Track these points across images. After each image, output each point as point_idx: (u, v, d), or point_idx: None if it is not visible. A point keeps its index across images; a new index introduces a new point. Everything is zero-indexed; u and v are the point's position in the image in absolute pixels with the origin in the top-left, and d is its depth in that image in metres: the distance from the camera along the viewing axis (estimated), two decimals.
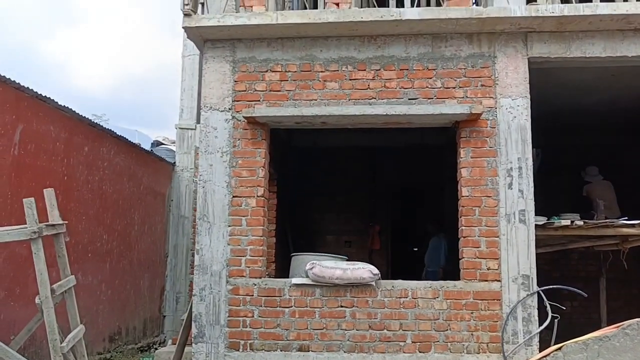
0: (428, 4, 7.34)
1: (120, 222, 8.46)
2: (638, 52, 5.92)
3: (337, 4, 6.09)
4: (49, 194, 5.15)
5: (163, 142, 12.94)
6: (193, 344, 5.91)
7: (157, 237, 9.89)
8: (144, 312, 9.32)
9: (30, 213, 4.72)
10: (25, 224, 5.82)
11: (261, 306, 5.86)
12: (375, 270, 5.77)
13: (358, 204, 10.25)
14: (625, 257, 7.00)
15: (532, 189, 5.82)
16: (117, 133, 8.33)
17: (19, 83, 5.97)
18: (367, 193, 10.29)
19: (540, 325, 5.68)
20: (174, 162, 10.55)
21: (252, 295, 5.88)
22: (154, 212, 9.73)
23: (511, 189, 5.81)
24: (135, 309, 8.98)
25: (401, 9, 5.90)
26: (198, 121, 10.64)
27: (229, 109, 6.16)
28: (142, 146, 9.93)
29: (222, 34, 6.13)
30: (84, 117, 7.32)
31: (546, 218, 6.56)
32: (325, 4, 6.23)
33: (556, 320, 5.70)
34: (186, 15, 6.03)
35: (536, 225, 5.91)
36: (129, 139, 8.94)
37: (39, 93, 6.31)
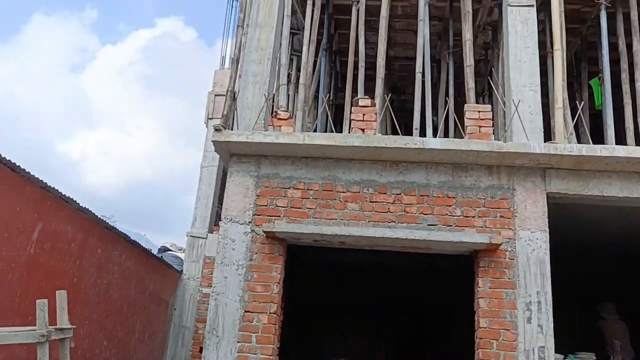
0: (446, 133, 7.66)
1: (122, 329, 8.21)
2: None
3: (363, 130, 6.32)
4: (61, 296, 5.05)
5: (170, 248, 12.91)
6: None
7: (156, 346, 9.56)
8: None
9: (41, 315, 4.60)
10: (31, 324, 5.68)
11: None
12: None
13: (365, 324, 10.01)
14: None
15: (552, 324, 5.70)
16: (130, 237, 8.32)
17: (45, 182, 6.07)
18: (375, 314, 10.07)
19: None
20: (181, 270, 10.44)
21: None
22: (156, 320, 9.48)
23: (530, 323, 5.69)
24: None
25: (424, 139, 6.12)
26: (210, 231, 10.69)
27: (249, 222, 6.21)
28: (152, 252, 9.85)
29: (249, 149, 6.32)
30: (101, 219, 7.36)
31: (563, 356, 6.37)
32: (350, 128, 6.49)
33: None
34: (217, 130, 6.24)
35: None
36: (140, 244, 8.89)
37: (63, 193, 6.39)
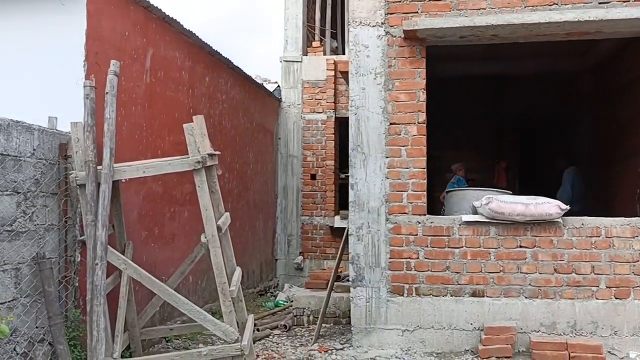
0: None
1: (238, 160, 7.92)
2: None
3: None
4: (199, 121, 4.55)
5: (255, 79, 12.32)
6: (351, 288, 5.34)
7: (268, 177, 9.36)
8: (260, 255, 8.89)
9: (192, 140, 4.13)
10: (162, 157, 5.32)
11: (427, 247, 5.21)
12: (564, 206, 4.99)
13: (481, 138, 9.40)
14: None
15: None
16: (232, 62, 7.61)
17: (148, 1, 5.33)
18: (491, 127, 9.41)
19: None
20: (280, 98, 9.89)
21: (416, 235, 5.22)
22: (265, 151, 9.17)
23: None
24: (253, 252, 8.55)
25: None
26: (304, 53, 9.91)
27: (382, 23, 5.36)
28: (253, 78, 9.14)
29: None
30: (206, 43, 6.66)
31: None
32: None
33: None
34: None
35: None
36: (242, 69, 8.14)
37: (166, 14, 5.67)
